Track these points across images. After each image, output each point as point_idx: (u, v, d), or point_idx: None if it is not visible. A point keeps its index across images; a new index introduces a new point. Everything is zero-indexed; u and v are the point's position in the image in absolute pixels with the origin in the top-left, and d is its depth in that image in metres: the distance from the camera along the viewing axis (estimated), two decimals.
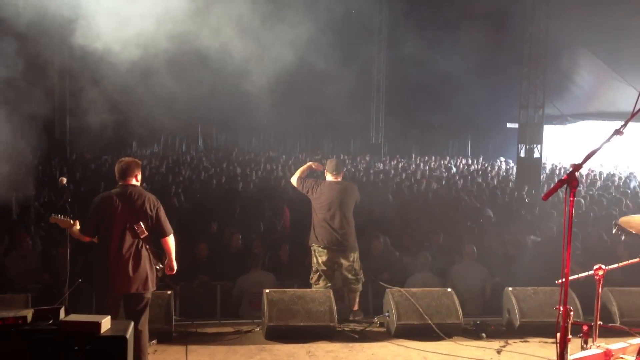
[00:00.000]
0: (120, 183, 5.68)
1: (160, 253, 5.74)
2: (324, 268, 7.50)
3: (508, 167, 24.11)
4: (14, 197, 10.53)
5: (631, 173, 20.28)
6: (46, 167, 16.88)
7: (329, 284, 7.50)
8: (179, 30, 9.60)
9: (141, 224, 5.52)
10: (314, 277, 7.61)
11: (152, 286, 5.63)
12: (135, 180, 5.71)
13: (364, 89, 26.17)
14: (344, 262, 7.54)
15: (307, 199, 7.77)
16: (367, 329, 7.27)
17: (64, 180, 6.76)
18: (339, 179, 7.73)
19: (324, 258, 7.48)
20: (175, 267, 5.85)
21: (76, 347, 4.39)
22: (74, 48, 8.95)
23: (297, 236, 10.01)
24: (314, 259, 7.58)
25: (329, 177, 7.71)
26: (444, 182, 17.82)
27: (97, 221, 5.56)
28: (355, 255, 7.61)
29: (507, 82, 22.31)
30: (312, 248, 7.62)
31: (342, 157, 24.21)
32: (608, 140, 3.77)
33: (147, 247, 5.58)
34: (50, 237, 9.25)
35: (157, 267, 5.69)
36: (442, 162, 25.44)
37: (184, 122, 24.39)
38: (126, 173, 5.67)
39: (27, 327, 4.51)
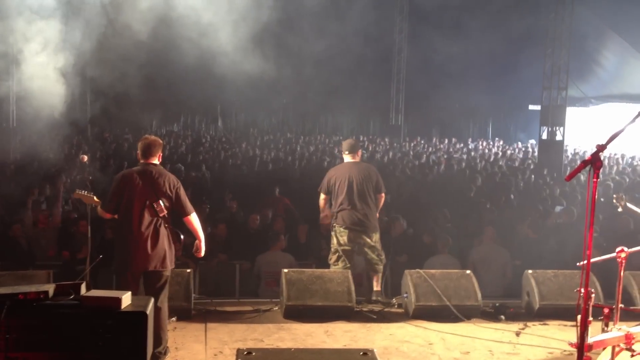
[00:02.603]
0: (141, 161, 5.70)
1: (178, 233, 5.77)
2: (345, 248, 7.44)
3: (530, 149, 23.82)
4: (37, 173, 10.65)
5: None
6: (68, 146, 17.05)
7: (348, 265, 7.46)
8: (200, 11, 9.58)
9: (161, 202, 5.54)
10: (332, 257, 7.57)
11: (170, 264, 5.67)
12: (157, 160, 5.74)
13: (384, 69, 25.96)
14: (367, 242, 7.48)
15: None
16: (385, 309, 7.27)
17: (85, 158, 6.78)
18: (357, 159, 7.64)
19: (345, 238, 7.43)
20: (204, 249, 5.85)
21: (97, 322, 4.44)
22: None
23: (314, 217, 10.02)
24: (334, 240, 7.51)
25: (347, 158, 7.64)
26: (464, 164, 17.67)
27: (117, 198, 5.60)
28: (377, 236, 7.57)
29: (529, 63, 21.93)
30: (333, 228, 7.56)
31: (361, 138, 24.11)
32: (632, 121, 3.69)
33: (166, 225, 5.61)
34: (71, 213, 9.34)
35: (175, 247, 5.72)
36: (462, 144, 25.21)
37: (203, 101, 24.42)
38: (149, 152, 5.68)
39: (49, 301, 4.56)
